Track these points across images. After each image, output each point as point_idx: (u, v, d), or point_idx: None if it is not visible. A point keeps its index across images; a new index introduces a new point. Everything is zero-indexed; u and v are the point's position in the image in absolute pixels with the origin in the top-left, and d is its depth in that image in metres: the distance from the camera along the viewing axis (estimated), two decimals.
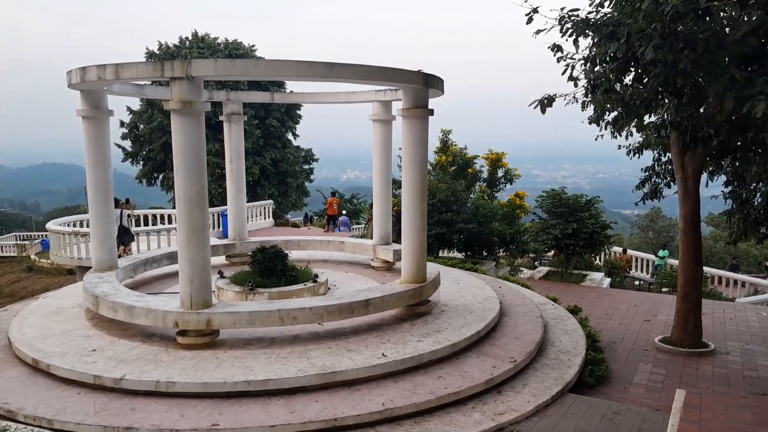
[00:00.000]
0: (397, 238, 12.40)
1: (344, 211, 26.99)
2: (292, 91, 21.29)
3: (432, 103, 9.22)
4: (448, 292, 10.25)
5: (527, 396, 6.99)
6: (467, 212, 19.02)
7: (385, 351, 7.31)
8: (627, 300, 13.55)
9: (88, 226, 17.89)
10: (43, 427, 5.73)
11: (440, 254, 19.63)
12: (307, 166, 37.34)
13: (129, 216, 15.99)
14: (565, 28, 7.52)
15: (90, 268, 10.31)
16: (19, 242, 31.16)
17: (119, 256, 11.40)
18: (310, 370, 6.73)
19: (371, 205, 16.12)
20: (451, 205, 18.72)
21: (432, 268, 9.81)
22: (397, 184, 17.91)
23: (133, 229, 16.74)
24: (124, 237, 14.74)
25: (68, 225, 19.22)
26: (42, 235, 29.85)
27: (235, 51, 32.12)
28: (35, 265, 24.62)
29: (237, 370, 6.71)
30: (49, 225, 18.89)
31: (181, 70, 7.09)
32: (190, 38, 32.77)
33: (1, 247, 30.94)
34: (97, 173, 9.74)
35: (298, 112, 34.99)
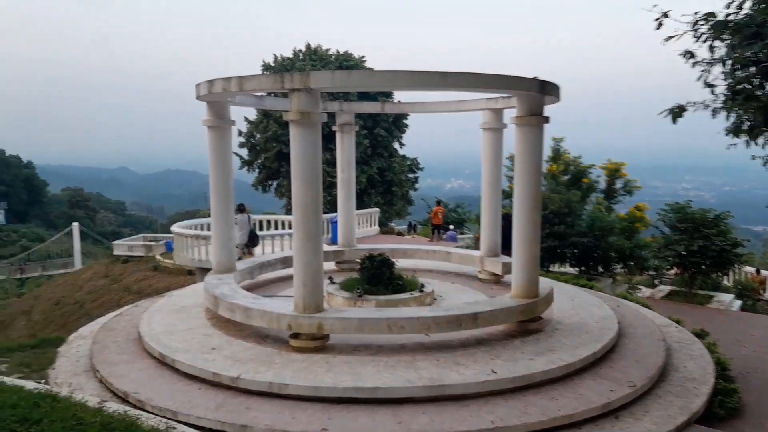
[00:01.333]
0: (502, 250, 12.09)
1: (451, 225, 26.77)
2: (400, 101, 21.50)
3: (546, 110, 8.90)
4: (562, 309, 9.81)
5: (648, 424, 6.49)
6: (582, 225, 18.20)
7: (495, 367, 7.08)
8: (761, 326, 12.32)
9: (208, 230, 19.06)
10: (168, 419, 6.08)
11: (551, 269, 18.91)
12: (412, 175, 37.57)
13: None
14: (699, 32, 6.96)
15: (208, 269, 10.91)
16: (146, 243, 33.73)
17: (239, 259, 11.97)
18: (418, 381, 6.66)
19: (478, 217, 15.84)
20: (565, 217, 17.98)
21: (545, 283, 9.43)
22: (505, 194, 17.49)
23: None
24: (256, 240, 15.43)
25: (191, 228, 20.49)
26: (166, 237, 32.13)
27: (346, 62, 33.03)
28: (159, 265, 26.54)
29: (346, 376, 6.78)
30: (174, 228, 20.29)
31: (300, 82, 7.33)
32: (304, 50, 34.11)
33: (131, 247, 33.62)
34: (219, 180, 10.30)
35: (404, 121, 35.34)
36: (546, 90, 8.45)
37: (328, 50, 34.35)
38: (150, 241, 34.71)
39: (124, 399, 6.73)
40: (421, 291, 9.84)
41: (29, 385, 6.27)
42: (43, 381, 7.25)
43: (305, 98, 7.44)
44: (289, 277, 8.38)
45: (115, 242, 36.69)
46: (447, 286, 11.47)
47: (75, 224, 63.92)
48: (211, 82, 8.62)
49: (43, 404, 5.35)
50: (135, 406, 6.37)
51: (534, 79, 8.26)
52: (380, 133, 32.99)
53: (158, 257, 28.08)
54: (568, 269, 19.91)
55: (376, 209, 27.59)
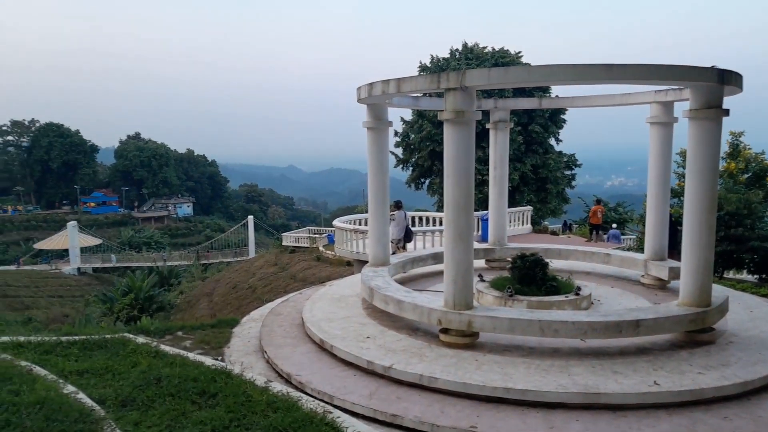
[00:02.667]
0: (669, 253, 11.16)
1: (614, 225, 25.23)
2: (558, 96, 20.68)
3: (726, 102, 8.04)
4: (738, 320, 8.83)
5: None
6: (764, 228, 16.18)
7: (657, 379, 6.59)
8: None
9: (366, 225, 19.92)
10: (325, 402, 6.50)
11: (725, 275, 17.06)
12: (568, 172, 35.98)
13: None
14: None
15: (365, 262, 11.42)
16: (310, 235, 36.14)
17: (393, 253, 12.39)
18: (572, 387, 6.41)
19: (641, 217, 14.76)
20: (743, 218, 16.12)
21: (718, 291, 8.56)
22: (673, 192, 16.09)
23: None
24: (409, 236, 15.93)
25: (350, 223, 21.60)
26: (328, 230, 34.13)
27: (502, 59, 32.51)
28: (322, 256, 28.23)
29: (496, 375, 6.74)
30: (335, 222, 21.51)
31: (455, 81, 7.40)
32: (460, 49, 34.15)
33: (297, 239, 36.24)
34: (376, 178, 10.73)
35: (562, 116, 33.93)
36: (726, 80, 7.65)
37: (484, 48, 34.06)
38: (314, 233, 37.14)
39: (287, 380, 7.30)
40: (578, 294, 9.43)
41: (208, 361, 7.05)
42: (219, 358, 8.09)
43: (460, 97, 7.50)
44: (440, 273, 8.51)
45: (283, 234, 39.84)
46: (606, 290, 10.87)
47: (250, 217, 70.32)
48: (371, 85, 9.02)
49: (218, 380, 6.00)
50: (296, 388, 6.88)
51: (712, 68, 7.51)
52: (535, 129, 32.02)
53: (321, 249, 29.87)
54: (745, 276, 17.80)
55: (529, 207, 26.84)
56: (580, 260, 12.91)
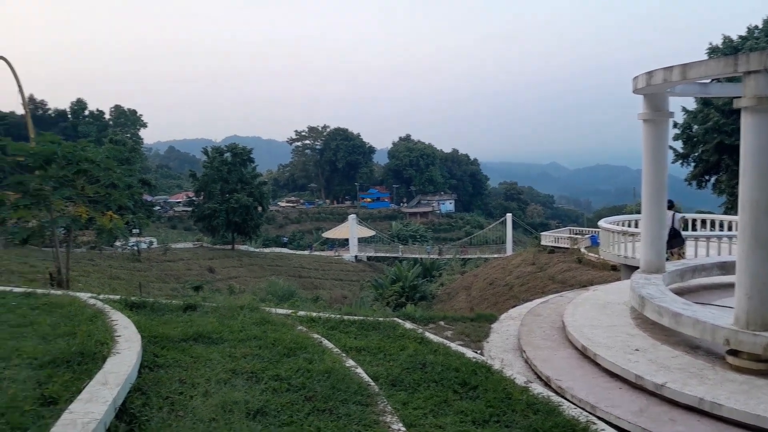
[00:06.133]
0: None
1: None
2: None
3: None
4: None
5: None
6: None
7: None
8: None
9: (636, 226, 18.39)
10: (587, 411, 6.17)
11: None
12: None
13: (682, 219, 15.51)
14: None
15: (634, 267, 10.53)
16: (571, 236, 34.71)
17: (667, 259, 11.23)
18: None
19: None
20: None
21: None
22: None
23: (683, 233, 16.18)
24: (674, 240, 14.38)
25: (618, 224, 20.17)
26: (591, 231, 32.39)
27: None
28: (584, 258, 26.92)
29: None
30: (601, 223, 20.30)
31: (758, 63, 6.35)
32: (760, 26, 29.23)
33: (557, 238, 35.15)
34: (652, 175, 9.80)
35: None
36: None
37: None
38: (576, 234, 35.60)
39: (545, 383, 7.12)
40: None
41: (468, 353, 7.25)
42: (478, 351, 8.26)
43: (764, 81, 6.40)
44: (728, 285, 7.43)
45: (543, 233, 39.04)
46: None
47: (509, 215, 70.62)
48: (650, 73, 8.27)
49: (479, 373, 6.12)
50: (555, 392, 6.66)
51: None
52: None
53: (583, 250, 28.53)
54: None
55: None
56: None
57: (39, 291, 8.66)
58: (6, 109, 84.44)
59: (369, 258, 71.10)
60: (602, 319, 8.93)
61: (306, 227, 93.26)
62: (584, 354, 7.78)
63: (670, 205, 13.57)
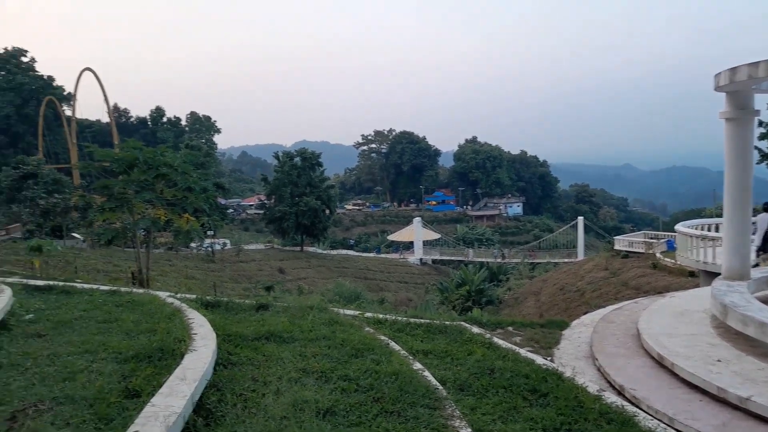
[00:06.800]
0: None
1: None
2: None
3: None
4: None
5: None
6: None
7: None
8: None
9: (717, 231, 17.47)
10: (663, 422, 5.91)
11: None
12: None
13: None
14: None
15: (714, 273, 10.00)
16: (646, 240, 33.28)
17: (755, 266, 10.60)
18: None
19: None
20: None
21: None
22: None
23: None
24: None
25: (696, 228, 19.23)
26: (667, 235, 30.98)
27: None
28: (659, 264, 25.81)
29: None
30: (678, 227, 19.41)
31: None
32: None
33: (631, 243, 33.79)
34: (735, 177, 9.29)
35: None
36: None
37: None
38: (651, 238, 34.11)
39: (619, 392, 6.88)
40: None
41: (538, 360, 7.10)
42: (548, 358, 8.06)
43: None
44: None
45: (616, 237, 37.68)
46: None
47: (580, 218, 68.54)
48: (733, 70, 7.86)
49: (549, 380, 5.97)
50: (630, 402, 6.42)
51: None
52: None
53: (658, 255, 27.36)
54: None
55: None
56: None
57: (122, 289, 9.15)
58: (93, 117, 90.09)
59: (434, 261, 70.83)
60: (680, 328, 8.54)
61: (371, 230, 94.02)
62: (660, 363, 7.47)
63: (766, 208, 12.79)
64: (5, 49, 78.97)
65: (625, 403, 5.90)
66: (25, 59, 79.95)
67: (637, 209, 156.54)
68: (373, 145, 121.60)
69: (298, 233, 57.81)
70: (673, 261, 23.10)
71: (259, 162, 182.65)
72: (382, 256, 71.92)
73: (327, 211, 59.45)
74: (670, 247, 26.88)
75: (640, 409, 6.22)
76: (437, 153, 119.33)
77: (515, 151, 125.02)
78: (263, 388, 4.77)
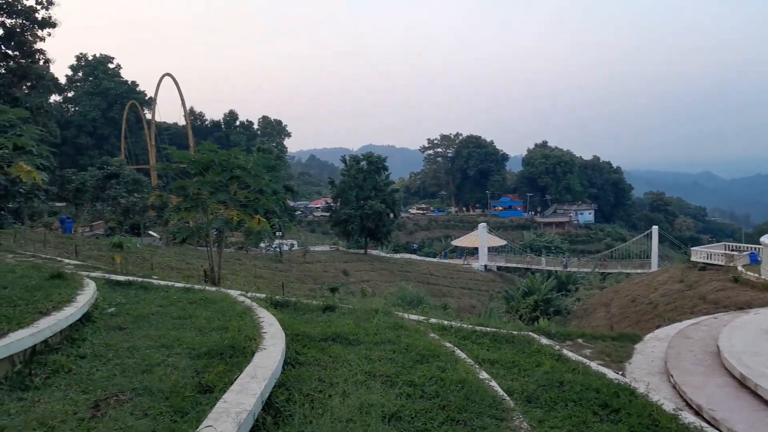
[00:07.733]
0: None
1: None
2: None
3: None
4: None
5: None
6: None
7: None
8: None
9: None
10: None
11: None
12: None
13: None
14: None
15: None
16: (726, 252, 31.48)
17: None
18: None
19: None
20: None
21: None
22: None
23: None
24: None
25: None
26: (751, 248, 29.21)
27: None
28: (741, 277, 24.40)
29: None
30: (763, 239, 18.34)
31: None
32: None
33: (709, 254, 32.03)
34: None
35: None
36: None
37: None
38: (732, 250, 32.23)
39: (696, 412, 6.56)
40: None
41: (610, 374, 6.85)
42: (620, 373, 7.76)
43: None
44: None
45: (693, 248, 35.80)
46: None
47: (655, 227, 65.65)
48: None
49: (622, 396, 5.75)
50: (709, 423, 6.11)
51: None
52: None
53: (740, 268, 25.84)
54: None
55: None
56: None
57: (196, 287, 9.52)
58: (170, 120, 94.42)
59: (499, 268, 69.70)
60: (764, 346, 8.05)
61: (435, 234, 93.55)
62: (742, 383, 7.06)
63: None
64: (94, 56, 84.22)
65: (704, 424, 5.62)
66: (111, 65, 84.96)
67: (716, 219, 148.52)
68: (439, 150, 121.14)
69: (363, 236, 58.31)
70: (756, 275, 21.83)
71: (326, 165, 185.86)
72: (445, 261, 71.44)
73: (391, 215, 59.66)
74: (754, 260, 25.37)
75: (719, 430, 5.91)
76: (505, 157, 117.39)
77: (587, 157, 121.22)
78: (330, 389, 4.83)
